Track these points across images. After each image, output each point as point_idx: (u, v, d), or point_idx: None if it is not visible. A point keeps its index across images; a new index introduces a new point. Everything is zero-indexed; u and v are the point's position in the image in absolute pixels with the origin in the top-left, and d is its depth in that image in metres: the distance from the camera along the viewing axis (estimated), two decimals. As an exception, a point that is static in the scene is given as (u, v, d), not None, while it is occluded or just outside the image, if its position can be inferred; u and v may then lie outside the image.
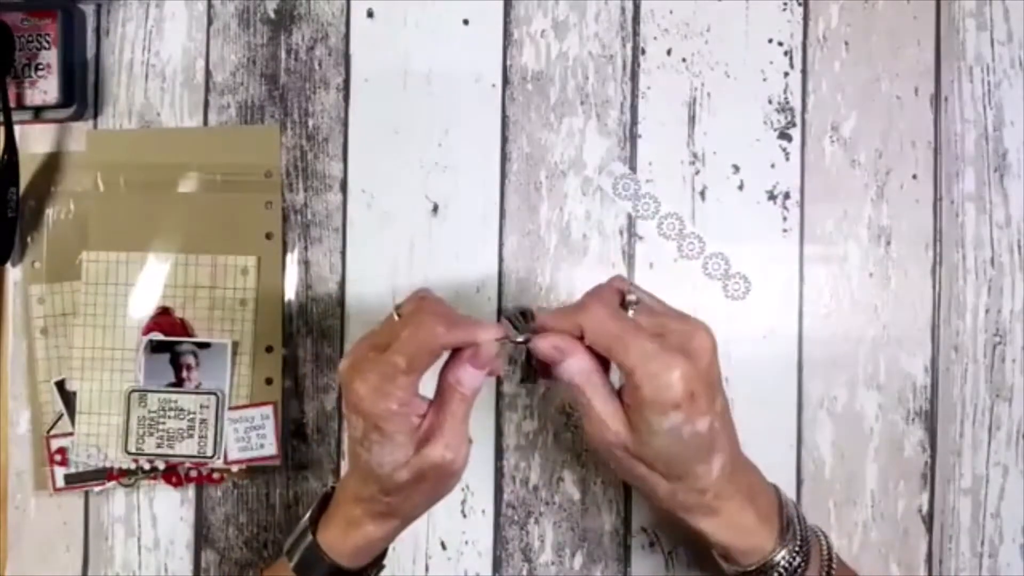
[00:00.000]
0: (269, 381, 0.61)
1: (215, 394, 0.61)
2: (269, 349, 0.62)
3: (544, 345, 0.46)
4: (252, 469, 0.61)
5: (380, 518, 0.48)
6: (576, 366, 0.46)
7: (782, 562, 0.46)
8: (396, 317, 0.47)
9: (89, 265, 0.62)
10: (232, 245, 0.62)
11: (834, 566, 0.47)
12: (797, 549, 0.46)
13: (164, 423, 0.61)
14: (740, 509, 0.46)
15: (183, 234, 0.62)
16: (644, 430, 0.44)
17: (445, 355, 0.47)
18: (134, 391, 0.61)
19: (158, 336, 0.61)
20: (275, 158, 0.62)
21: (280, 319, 0.62)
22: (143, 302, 0.62)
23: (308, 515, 0.51)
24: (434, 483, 0.47)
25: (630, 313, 0.46)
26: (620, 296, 0.47)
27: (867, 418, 0.61)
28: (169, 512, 0.62)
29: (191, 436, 0.60)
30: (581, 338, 0.46)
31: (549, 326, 0.47)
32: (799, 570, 0.46)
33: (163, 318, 0.61)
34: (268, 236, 0.62)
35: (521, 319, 0.49)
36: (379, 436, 0.44)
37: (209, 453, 0.61)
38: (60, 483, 0.62)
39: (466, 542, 0.62)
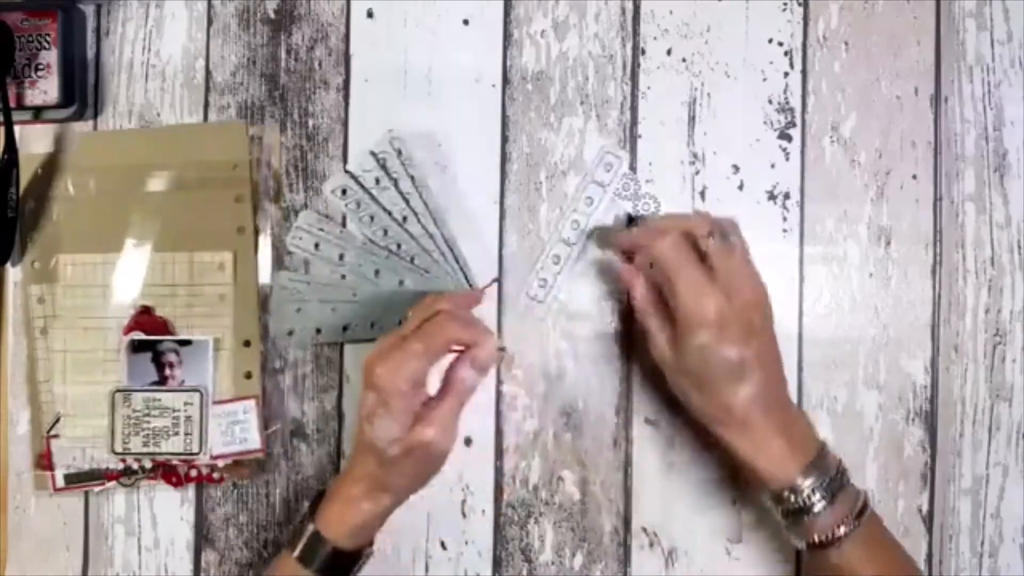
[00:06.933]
0: (248, 375, 0.61)
1: (198, 391, 0.61)
2: (247, 343, 0.61)
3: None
4: (252, 469, 0.61)
5: (374, 494, 0.53)
6: (638, 292, 0.55)
7: (804, 491, 0.50)
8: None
9: (66, 268, 0.62)
10: (207, 241, 0.62)
11: (863, 519, 0.50)
12: (824, 485, 0.50)
13: (149, 422, 0.61)
14: (769, 435, 0.50)
15: (159, 232, 0.62)
16: (681, 347, 0.51)
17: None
18: (118, 391, 0.61)
19: (139, 335, 0.61)
20: (243, 151, 0.62)
21: (256, 313, 0.62)
22: (123, 302, 0.61)
23: (308, 507, 0.54)
24: (421, 461, 0.52)
25: (711, 243, 0.52)
26: (707, 229, 0.52)
27: (867, 418, 0.61)
28: (169, 512, 0.62)
29: (176, 433, 0.60)
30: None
31: (636, 244, 0.55)
32: (821, 505, 0.50)
33: (144, 317, 0.61)
34: (240, 230, 0.62)
35: (628, 222, 0.61)
36: (384, 411, 0.50)
37: (195, 450, 0.61)
38: (60, 483, 0.62)
39: (466, 542, 0.62)
